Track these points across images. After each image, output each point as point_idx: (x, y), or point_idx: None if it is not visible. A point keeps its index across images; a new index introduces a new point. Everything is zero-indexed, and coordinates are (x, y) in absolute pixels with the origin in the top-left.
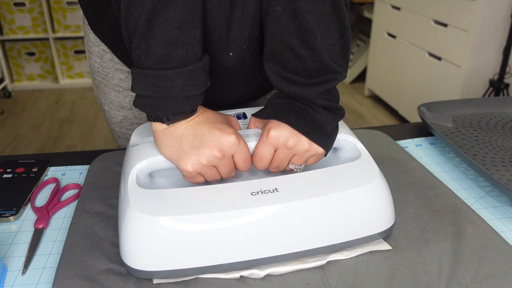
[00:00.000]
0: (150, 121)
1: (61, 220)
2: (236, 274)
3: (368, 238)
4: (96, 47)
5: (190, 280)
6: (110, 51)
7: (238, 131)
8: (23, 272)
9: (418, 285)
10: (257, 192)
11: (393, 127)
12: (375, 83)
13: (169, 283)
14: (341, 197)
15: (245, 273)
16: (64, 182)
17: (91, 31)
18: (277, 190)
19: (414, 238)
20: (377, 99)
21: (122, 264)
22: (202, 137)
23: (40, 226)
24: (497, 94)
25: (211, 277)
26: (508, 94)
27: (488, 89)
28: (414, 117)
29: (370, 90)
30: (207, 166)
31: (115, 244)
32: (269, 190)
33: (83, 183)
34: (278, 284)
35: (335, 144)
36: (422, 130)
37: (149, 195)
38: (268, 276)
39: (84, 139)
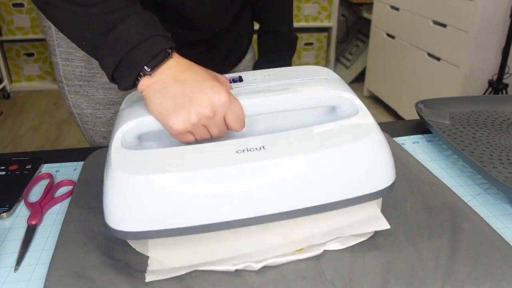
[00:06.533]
0: (135, 86)
1: (55, 216)
2: (231, 267)
3: (367, 197)
4: (81, 51)
5: (184, 275)
6: None
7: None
8: (16, 269)
9: (414, 280)
10: (243, 150)
11: (390, 124)
12: (374, 84)
13: (162, 279)
14: (334, 152)
15: (240, 266)
16: (58, 178)
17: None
18: (264, 147)
19: (411, 233)
20: (376, 100)
21: (115, 258)
22: (192, 95)
23: (33, 222)
24: (496, 94)
25: (205, 269)
26: (507, 94)
27: (487, 89)
28: (413, 118)
29: (369, 90)
30: (197, 124)
31: (109, 239)
32: (256, 148)
33: (77, 179)
34: (273, 278)
35: (332, 102)
36: (419, 127)
37: (132, 155)
38: (263, 269)
39: (83, 140)
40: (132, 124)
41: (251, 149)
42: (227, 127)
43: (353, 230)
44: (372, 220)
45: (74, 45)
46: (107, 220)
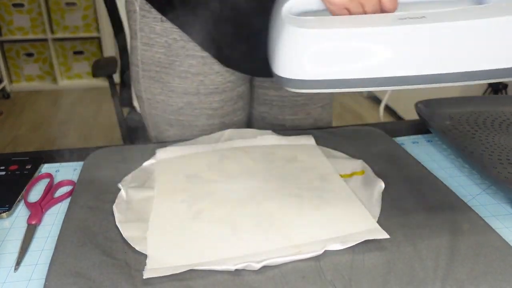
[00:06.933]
0: None
1: (55, 215)
2: (231, 267)
3: None
4: (163, 37)
5: (184, 275)
6: (182, 39)
7: None
8: (16, 269)
9: (414, 280)
10: (404, 18)
11: (389, 124)
12: None
13: (162, 280)
14: (495, 22)
15: (240, 265)
16: (58, 178)
17: (158, 23)
18: (425, 17)
19: (411, 233)
20: (376, 100)
21: (115, 258)
22: None
23: (33, 222)
24: (495, 94)
25: (205, 269)
26: (506, 94)
27: (487, 89)
28: (413, 118)
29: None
30: (354, 1)
31: (109, 238)
32: (416, 17)
33: (77, 179)
34: (273, 278)
35: None
36: (419, 128)
37: (299, 18)
38: (263, 269)
39: (83, 140)
40: (293, 2)
41: (412, 17)
42: (381, 8)
43: (351, 241)
44: (369, 232)
45: (157, 31)
46: (279, 72)
